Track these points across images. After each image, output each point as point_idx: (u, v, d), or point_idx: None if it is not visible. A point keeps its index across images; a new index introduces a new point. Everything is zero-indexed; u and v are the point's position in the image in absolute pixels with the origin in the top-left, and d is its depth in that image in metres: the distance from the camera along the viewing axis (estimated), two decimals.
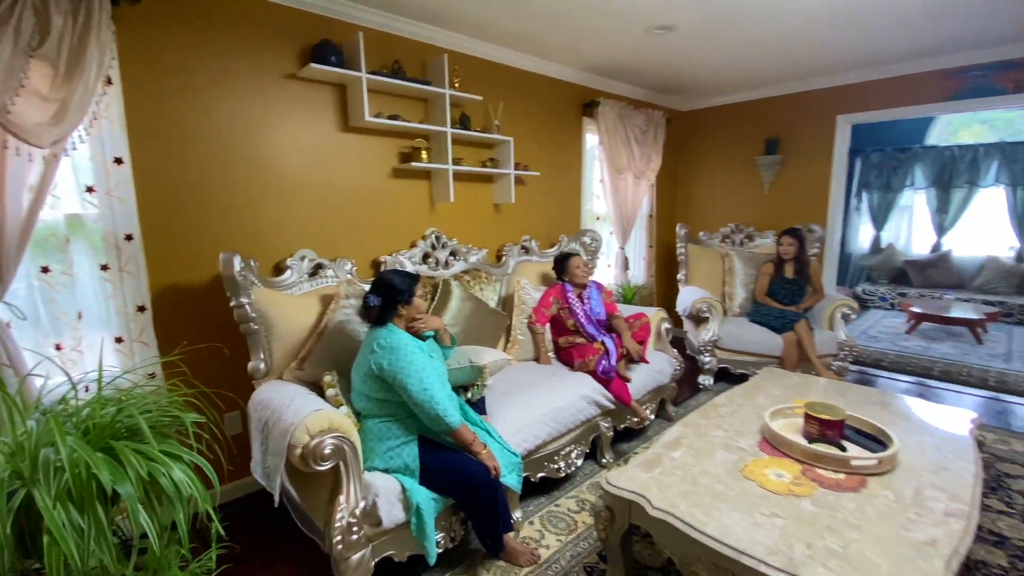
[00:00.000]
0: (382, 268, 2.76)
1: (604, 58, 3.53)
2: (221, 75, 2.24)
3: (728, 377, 3.75)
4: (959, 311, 5.23)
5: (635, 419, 2.82)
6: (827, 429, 1.75)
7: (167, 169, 2.14)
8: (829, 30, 3.00)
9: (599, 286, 3.15)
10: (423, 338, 2.02)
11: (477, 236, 3.31)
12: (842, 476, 1.58)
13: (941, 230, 6.98)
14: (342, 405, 1.84)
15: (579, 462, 2.53)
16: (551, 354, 2.97)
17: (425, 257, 2.96)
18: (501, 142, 3.26)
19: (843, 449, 1.70)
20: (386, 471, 1.77)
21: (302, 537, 1.96)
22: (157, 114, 2.10)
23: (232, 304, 2.00)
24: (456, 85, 2.87)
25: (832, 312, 3.61)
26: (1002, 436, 2.98)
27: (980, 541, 2.04)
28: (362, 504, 1.61)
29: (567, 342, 2.94)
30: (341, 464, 1.58)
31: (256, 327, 2.04)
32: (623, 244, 4.32)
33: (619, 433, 2.83)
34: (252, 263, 2.16)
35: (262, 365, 2.06)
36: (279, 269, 2.43)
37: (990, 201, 6.57)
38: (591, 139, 4.12)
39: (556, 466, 2.41)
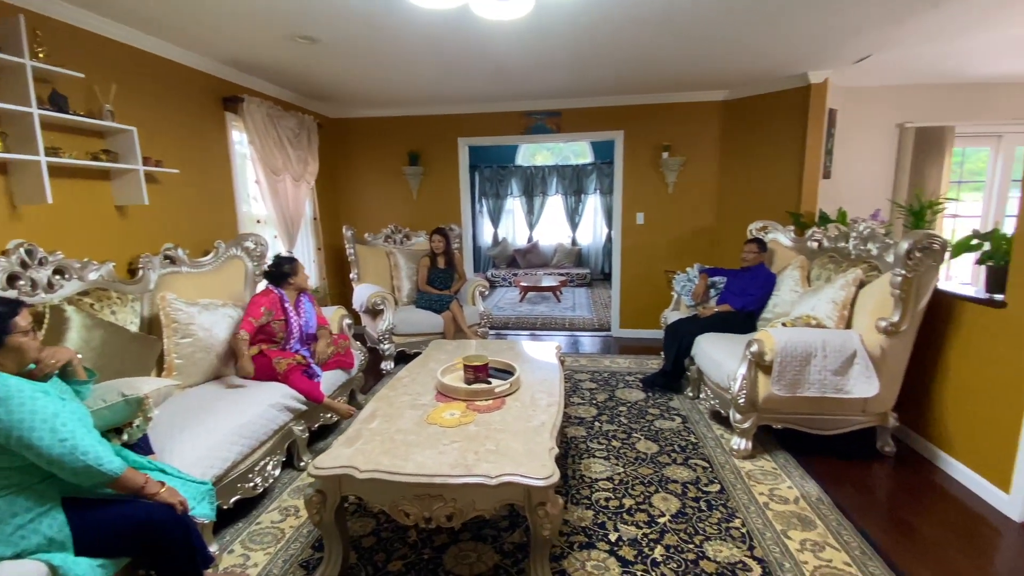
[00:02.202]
0: None
1: (246, 55, 3.37)
2: None
3: (406, 358, 4.26)
4: (547, 281, 7.42)
5: (330, 415, 2.90)
6: (478, 372, 2.34)
7: None
8: (444, 74, 3.78)
9: (311, 298, 3.07)
10: (43, 378, 1.58)
11: (96, 247, 2.66)
12: (491, 402, 2.17)
13: (532, 227, 9.62)
14: None
15: (276, 472, 2.46)
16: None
17: (12, 279, 2.19)
18: (119, 131, 2.69)
19: (489, 383, 2.33)
20: (18, 556, 1.34)
21: None
22: None
23: None
24: (41, 56, 2.22)
25: (473, 291, 4.58)
26: (575, 357, 4.52)
27: (571, 424, 3.13)
28: None
29: (258, 350, 2.75)
30: None
31: None
32: (291, 247, 4.23)
33: (315, 433, 2.87)
34: None
35: None
36: None
37: (555, 206, 9.50)
38: (239, 137, 3.84)
39: (252, 483, 2.29)
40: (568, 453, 2.77)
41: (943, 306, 2.62)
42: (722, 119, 4.76)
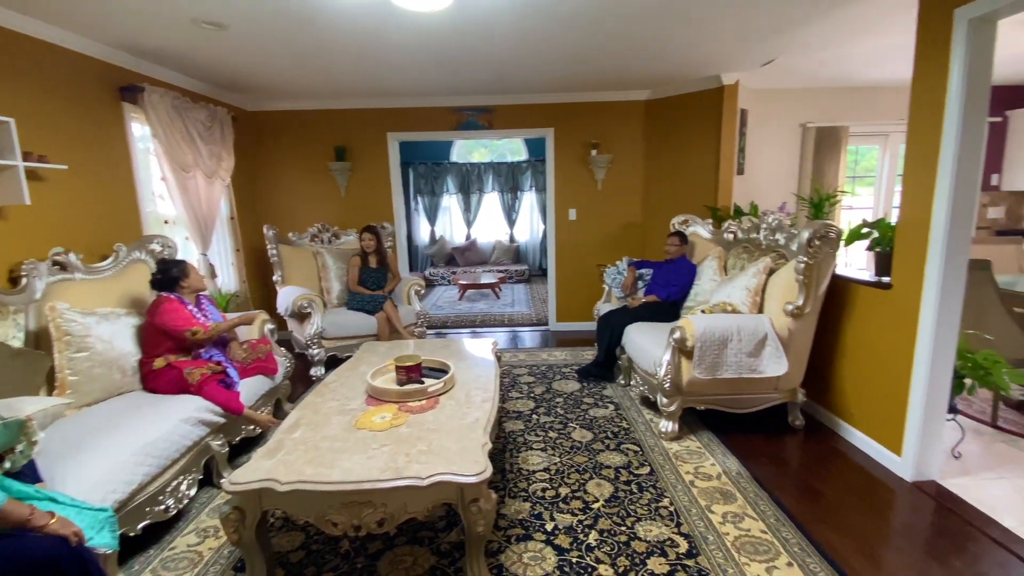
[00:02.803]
0: None
1: (146, 41, 3.08)
2: None
3: (337, 363, 4.09)
4: (485, 279, 7.41)
5: (252, 427, 2.73)
6: (411, 373, 2.29)
7: None
8: (370, 67, 3.66)
9: (212, 300, 2.92)
10: None
11: None
12: (424, 402, 2.13)
13: (469, 224, 9.57)
14: None
15: (192, 492, 2.28)
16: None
17: None
18: None
19: (423, 383, 2.28)
20: None
21: None
22: None
23: None
24: None
25: (408, 290, 4.49)
26: (514, 353, 4.55)
27: (509, 419, 3.14)
28: None
29: (165, 362, 2.54)
30: None
31: None
32: (205, 250, 3.93)
33: (236, 447, 2.69)
34: None
35: None
36: None
37: (492, 203, 9.50)
38: (142, 130, 3.52)
39: (163, 506, 2.11)
40: (506, 447, 2.78)
41: (840, 290, 2.87)
42: (645, 118, 4.95)
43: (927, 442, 2.39)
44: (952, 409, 2.51)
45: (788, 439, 2.88)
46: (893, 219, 2.73)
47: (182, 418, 2.27)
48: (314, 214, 5.06)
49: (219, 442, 2.49)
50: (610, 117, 4.94)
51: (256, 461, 1.72)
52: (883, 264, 2.67)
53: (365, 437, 1.85)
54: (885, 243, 2.68)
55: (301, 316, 3.96)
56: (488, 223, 9.63)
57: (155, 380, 2.53)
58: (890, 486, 2.41)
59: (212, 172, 3.96)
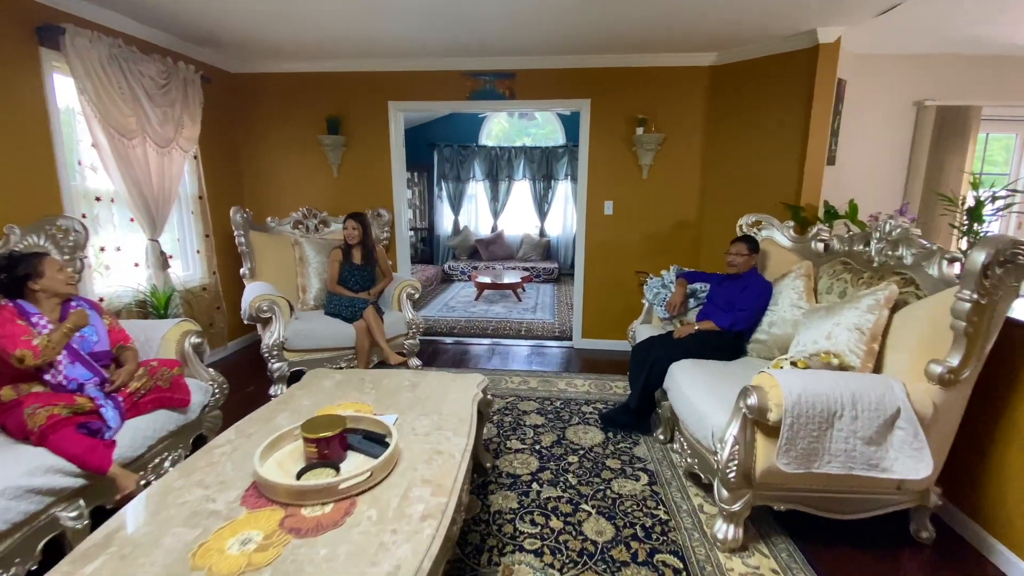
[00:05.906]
0: None
1: None
2: None
3: None
4: (508, 277, 6.54)
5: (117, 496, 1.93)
6: (324, 448, 1.47)
7: None
8: (364, 9, 2.84)
9: (95, 306, 2.17)
10: None
11: None
12: (329, 509, 1.30)
13: (496, 214, 8.70)
14: None
15: None
16: None
17: None
18: None
19: (337, 469, 1.46)
20: None
21: None
22: None
23: None
24: None
25: (399, 294, 3.69)
26: (524, 377, 3.67)
27: (500, 488, 2.29)
28: None
29: (15, 392, 1.84)
30: None
31: None
32: (155, 235, 3.26)
33: (107, 513, 1.94)
34: None
35: None
36: None
37: (522, 192, 8.59)
38: (65, 83, 2.84)
39: None
40: (485, 543, 1.93)
41: (1010, 341, 1.85)
42: (710, 89, 3.92)
43: None
44: None
45: (910, 561, 1.90)
46: None
47: (5, 486, 1.54)
48: (301, 196, 4.33)
49: (74, 513, 1.75)
50: (662, 87, 3.94)
51: None
52: None
53: None
54: None
55: (262, 321, 3.23)
56: (517, 214, 8.75)
57: (4, 415, 1.83)
58: None
59: (167, 141, 3.27)
